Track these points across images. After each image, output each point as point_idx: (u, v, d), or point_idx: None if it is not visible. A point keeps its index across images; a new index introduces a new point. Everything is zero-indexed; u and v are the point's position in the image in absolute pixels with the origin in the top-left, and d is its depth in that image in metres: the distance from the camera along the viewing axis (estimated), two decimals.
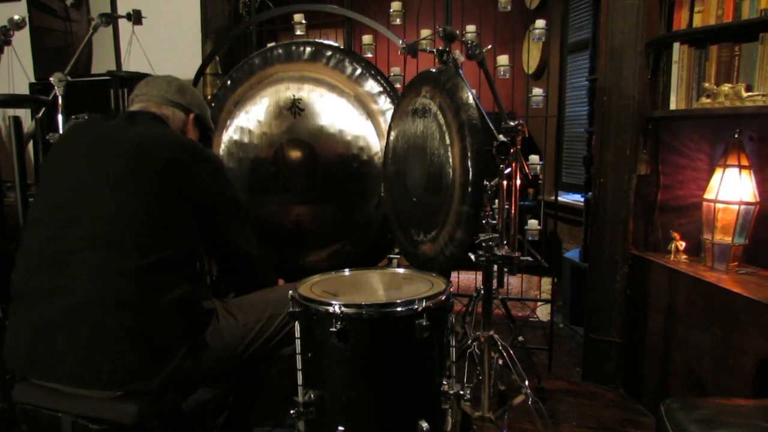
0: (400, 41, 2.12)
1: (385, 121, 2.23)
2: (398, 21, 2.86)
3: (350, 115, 2.26)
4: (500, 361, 1.84)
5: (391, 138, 2.06)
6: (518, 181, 1.63)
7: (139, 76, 2.39)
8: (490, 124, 1.60)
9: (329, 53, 2.29)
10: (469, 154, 1.59)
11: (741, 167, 2.02)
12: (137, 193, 1.37)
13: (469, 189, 1.59)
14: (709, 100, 2.05)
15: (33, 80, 2.59)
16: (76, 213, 1.36)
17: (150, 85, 1.63)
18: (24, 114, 2.69)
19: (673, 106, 2.22)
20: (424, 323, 1.31)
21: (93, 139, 1.48)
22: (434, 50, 1.78)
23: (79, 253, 1.32)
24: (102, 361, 1.28)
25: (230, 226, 1.57)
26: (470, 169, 1.59)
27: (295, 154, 2.32)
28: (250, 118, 2.33)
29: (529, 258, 1.72)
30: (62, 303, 1.30)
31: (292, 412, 1.37)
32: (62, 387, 1.32)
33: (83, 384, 1.29)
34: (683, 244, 2.25)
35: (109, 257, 1.32)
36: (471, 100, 1.61)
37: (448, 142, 1.68)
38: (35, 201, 1.47)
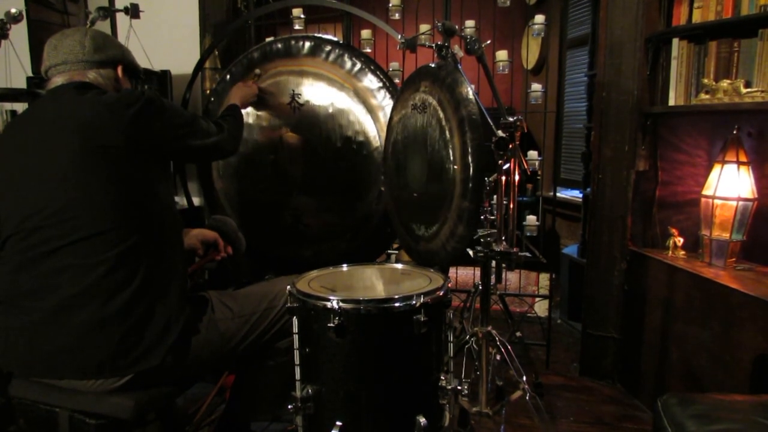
0: (399, 36, 2.11)
1: (384, 116, 2.22)
2: (397, 16, 2.85)
3: (349, 110, 2.25)
4: (498, 357, 1.84)
5: (391, 133, 2.06)
6: (517, 177, 1.63)
7: None
8: (489, 120, 1.59)
9: (328, 48, 2.28)
10: (469, 149, 1.58)
11: (739, 163, 2.02)
12: (98, 174, 1.32)
13: (470, 184, 1.59)
14: (707, 96, 2.05)
15: (30, 74, 2.57)
16: (45, 216, 1.31)
17: (60, 50, 1.45)
18: (21, 108, 2.68)
19: (671, 102, 2.22)
20: (422, 319, 1.31)
21: (29, 134, 1.39)
22: (433, 45, 1.77)
23: (59, 251, 1.30)
24: (102, 351, 1.29)
25: (189, 140, 1.54)
26: (471, 165, 1.58)
27: (295, 148, 2.32)
28: (250, 113, 2.33)
29: (527, 254, 1.72)
30: (53, 300, 1.29)
31: (289, 407, 1.37)
32: (66, 382, 1.32)
33: (89, 375, 1.30)
34: (681, 240, 2.25)
35: (91, 249, 1.30)
36: (471, 96, 1.61)
37: (448, 137, 1.68)
38: (2, 217, 1.39)
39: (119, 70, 1.54)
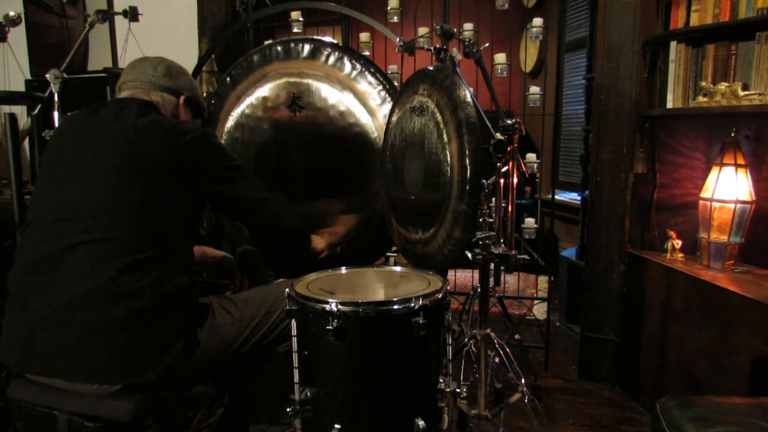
0: (398, 39, 2.11)
1: (384, 118, 2.22)
2: (395, 19, 2.86)
3: (349, 113, 2.25)
4: (497, 359, 1.85)
5: (389, 136, 2.06)
6: (515, 180, 1.63)
7: None
8: (488, 123, 1.60)
9: (328, 50, 2.28)
10: (467, 152, 1.59)
11: (737, 166, 2.02)
12: (133, 185, 1.37)
13: (468, 187, 1.59)
14: (705, 99, 2.05)
15: (29, 77, 2.58)
16: (72, 210, 1.36)
17: (136, 69, 1.60)
18: (20, 111, 2.69)
19: (669, 105, 2.23)
20: (421, 321, 1.31)
21: (84, 132, 1.47)
22: (432, 48, 1.78)
23: (76, 248, 1.32)
24: (98, 355, 1.28)
25: (231, 186, 1.58)
26: (468, 168, 1.58)
27: (295, 151, 2.32)
28: (250, 116, 2.33)
29: (526, 256, 1.72)
30: (59, 297, 1.30)
31: (288, 410, 1.37)
32: (60, 383, 1.32)
33: (81, 378, 1.29)
34: (679, 242, 2.26)
35: (107, 251, 1.32)
36: (468, 98, 1.61)
37: (446, 140, 1.68)
38: (32, 201, 1.47)
39: (181, 99, 1.65)
